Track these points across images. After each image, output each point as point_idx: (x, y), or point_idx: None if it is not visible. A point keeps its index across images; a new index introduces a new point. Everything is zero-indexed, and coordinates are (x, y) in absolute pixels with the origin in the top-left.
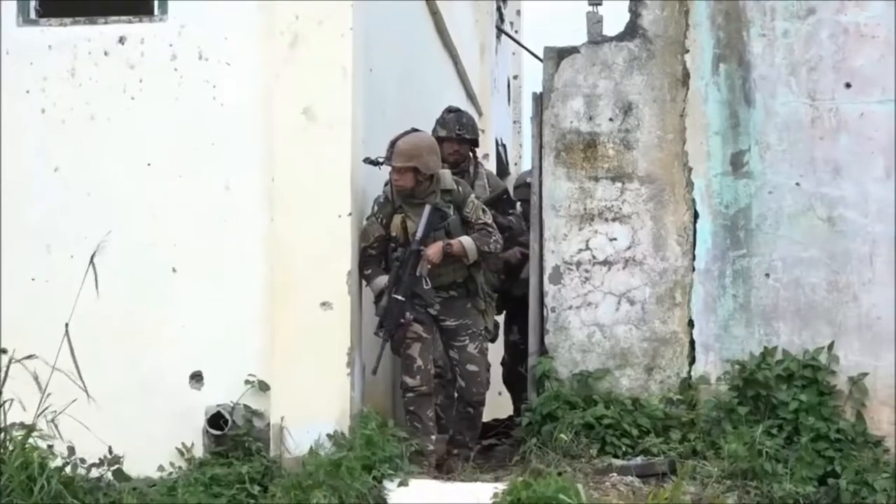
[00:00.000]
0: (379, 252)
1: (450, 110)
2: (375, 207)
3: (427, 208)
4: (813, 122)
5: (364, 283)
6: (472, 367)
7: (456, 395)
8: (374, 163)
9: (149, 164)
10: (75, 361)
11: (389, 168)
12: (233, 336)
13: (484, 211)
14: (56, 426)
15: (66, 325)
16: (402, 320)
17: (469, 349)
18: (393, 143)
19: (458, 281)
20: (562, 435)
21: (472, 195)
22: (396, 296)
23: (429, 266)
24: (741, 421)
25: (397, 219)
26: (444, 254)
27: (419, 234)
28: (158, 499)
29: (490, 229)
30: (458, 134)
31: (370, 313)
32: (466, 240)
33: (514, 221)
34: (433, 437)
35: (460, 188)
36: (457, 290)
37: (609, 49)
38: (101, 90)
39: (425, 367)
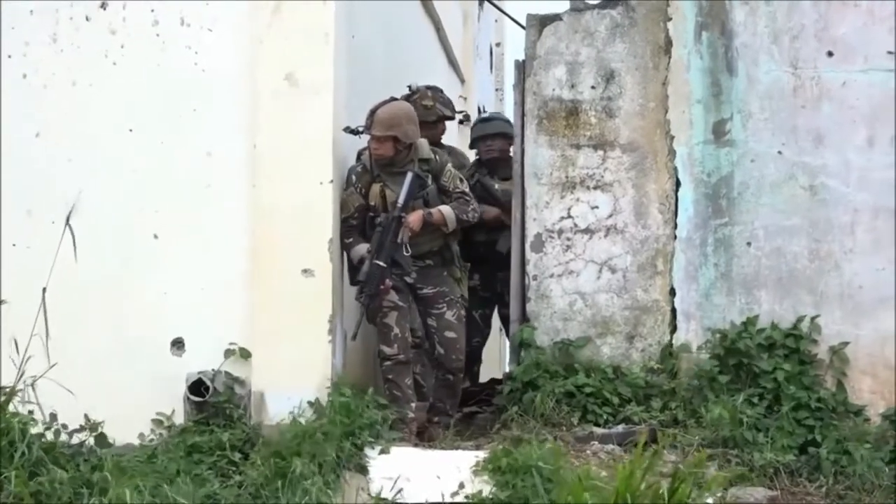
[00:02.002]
0: (359, 222)
1: (428, 87)
2: (353, 177)
3: (409, 175)
4: (795, 90)
5: (345, 252)
6: (450, 334)
7: (435, 362)
8: (354, 132)
9: (130, 130)
10: (47, 327)
11: (368, 137)
12: (214, 303)
13: (461, 180)
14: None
15: (44, 289)
16: (382, 286)
17: (447, 316)
18: (373, 112)
19: (434, 249)
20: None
21: (449, 164)
22: (378, 261)
23: (409, 233)
24: (722, 390)
25: (376, 188)
26: (424, 222)
27: (401, 201)
28: (139, 465)
29: (467, 198)
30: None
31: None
32: (446, 209)
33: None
34: (412, 405)
35: (437, 157)
36: (433, 259)
37: (591, 17)
38: (83, 55)
39: (402, 336)
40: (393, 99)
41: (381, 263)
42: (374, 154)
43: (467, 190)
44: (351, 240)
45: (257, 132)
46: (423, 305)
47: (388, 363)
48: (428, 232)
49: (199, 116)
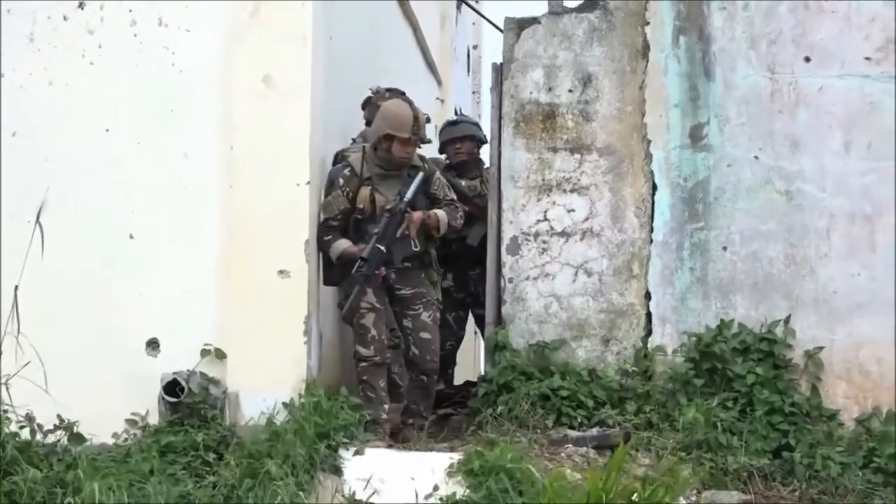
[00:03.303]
0: (341, 224)
1: (394, 92)
2: (341, 180)
3: (420, 175)
4: (772, 95)
5: (322, 250)
6: (425, 335)
7: (409, 364)
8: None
9: (107, 130)
10: (18, 325)
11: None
12: (190, 303)
13: (449, 188)
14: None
15: (16, 287)
16: (377, 271)
17: (423, 317)
18: (417, 118)
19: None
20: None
21: (437, 172)
22: (380, 245)
23: (414, 229)
24: (696, 393)
25: (365, 191)
26: (422, 223)
27: (408, 198)
28: (113, 465)
29: (456, 205)
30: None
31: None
32: (440, 213)
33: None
34: (386, 407)
35: (426, 165)
36: (412, 262)
37: (569, 20)
38: (60, 55)
39: (379, 337)
40: (399, 95)
41: (382, 248)
42: (401, 157)
43: (455, 198)
44: (330, 237)
45: (234, 133)
46: (400, 306)
47: (363, 364)
48: (421, 234)
49: (177, 117)
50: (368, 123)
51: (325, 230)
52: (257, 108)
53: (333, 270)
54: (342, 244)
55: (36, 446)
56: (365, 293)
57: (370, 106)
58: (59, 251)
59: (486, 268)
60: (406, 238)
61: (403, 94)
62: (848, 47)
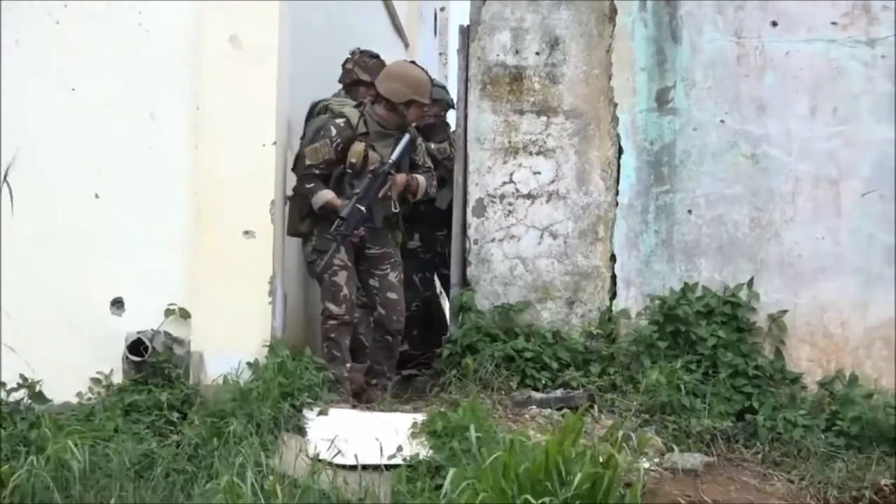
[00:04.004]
0: (323, 174)
1: (371, 55)
2: (333, 130)
3: (406, 137)
4: (739, 59)
5: (300, 198)
6: (392, 296)
7: (374, 324)
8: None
9: (73, 90)
10: None
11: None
12: (155, 263)
13: (426, 155)
14: None
15: None
16: (356, 230)
17: (390, 277)
18: (429, 81)
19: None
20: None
21: (419, 138)
22: (360, 205)
23: (397, 191)
24: (660, 356)
25: (359, 146)
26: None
27: (394, 158)
28: (76, 424)
29: (432, 173)
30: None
31: (293, 242)
32: (420, 178)
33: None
34: (348, 366)
35: (411, 129)
36: (384, 221)
37: None
38: (26, 14)
39: (350, 297)
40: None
41: (362, 208)
42: (413, 121)
43: (432, 165)
44: (313, 185)
45: (201, 94)
46: (368, 265)
47: (332, 322)
48: (398, 196)
49: (143, 77)
50: (350, 84)
51: (308, 178)
52: (224, 68)
53: (304, 222)
54: (327, 194)
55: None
56: (339, 251)
57: (359, 67)
58: (25, 210)
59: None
60: (388, 199)
61: (378, 56)
62: (814, 12)
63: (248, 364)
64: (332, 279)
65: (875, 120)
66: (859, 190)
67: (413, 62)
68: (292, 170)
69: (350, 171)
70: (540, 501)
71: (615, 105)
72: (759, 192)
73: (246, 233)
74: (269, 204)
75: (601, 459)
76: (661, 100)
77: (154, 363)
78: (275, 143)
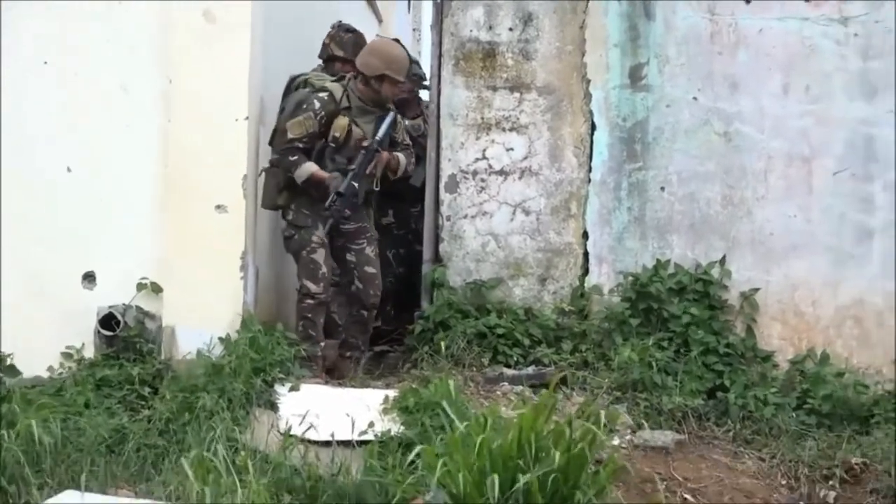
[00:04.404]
0: (306, 147)
1: (347, 30)
2: (317, 103)
3: (391, 115)
4: (712, 36)
5: (289, 170)
6: (370, 269)
7: (349, 298)
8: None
9: (45, 63)
10: None
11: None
12: (127, 237)
13: (405, 133)
14: None
15: None
16: (347, 210)
17: (367, 251)
18: (411, 61)
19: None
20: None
21: (399, 116)
22: (355, 182)
23: (380, 168)
24: (632, 333)
25: (343, 120)
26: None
27: (379, 136)
28: (47, 398)
29: (411, 150)
30: (355, 57)
31: (265, 217)
32: (401, 156)
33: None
34: (322, 345)
35: (390, 108)
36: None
37: None
38: None
39: (327, 275)
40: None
41: (356, 185)
42: (389, 97)
43: (410, 143)
44: (296, 158)
45: (174, 68)
46: (344, 240)
47: (309, 301)
48: (381, 175)
49: (115, 50)
50: (327, 59)
51: (292, 151)
52: (197, 42)
53: (282, 195)
54: (310, 167)
55: None
56: (317, 228)
57: (335, 42)
58: None
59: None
60: (371, 176)
61: (355, 31)
62: None
63: (220, 339)
64: (310, 256)
65: (848, 98)
66: (831, 168)
67: (397, 40)
68: (269, 143)
69: (333, 144)
70: (512, 478)
71: (588, 81)
72: (732, 170)
73: (218, 207)
74: (242, 179)
75: (574, 437)
76: (635, 76)
77: (125, 338)
78: (247, 118)
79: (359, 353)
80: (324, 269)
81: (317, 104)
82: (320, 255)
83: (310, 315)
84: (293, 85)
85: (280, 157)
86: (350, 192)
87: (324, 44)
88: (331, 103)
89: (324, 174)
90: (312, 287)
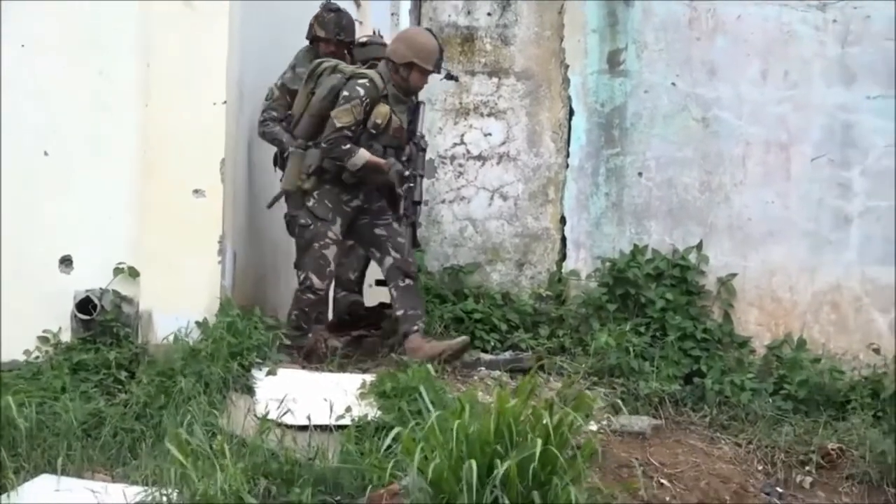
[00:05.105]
0: (354, 135)
1: (329, 9)
2: (362, 91)
3: (424, 107)
4: (690, 22)
5: (341, 160)
6: (402, 240)
7: (389, 271)
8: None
9: (23, 46)
10: None
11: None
12: (104, 221)
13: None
14: None
15: None
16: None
17: (394, 225)
18: (442, 51)
19: None
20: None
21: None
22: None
23: None
24: (609, 318)
25: (384, 108)
26: None
27: (421, 130)
28: (24, 382)
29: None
30: (338, 38)
31: (243, 202)
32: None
33: None
34: (309, 336)
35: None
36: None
37: None
38: None
39: (332, 273)
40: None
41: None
42: (417, 87)
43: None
44: (349, 146)
45: (152, 51)
46: (371, 218)
47: (310, 295)
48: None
49: (94, 34)
50: (314, 39)
51: (343, 139)
52: (176, 26)
53: (309, 180)
54: (365, 154)
55: None
56: (334, 224)
57: (318, 22)
58: None
59: None
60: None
61: (338, 10)
62: None
63: (197, 323)
64: (322, 251)
65: (826, 84)
66: (809, 154)
67: (429, 30)
68: (292, 129)
69: (374, 131)
70: (490, 463)
71: (566, 67)
72: (710, 156)
73: (196, 191)
74: (220, 163)
75: (552, 422)
76: (613, 62)
77: (102, 322)
78: (225, 102)
79: (422, 322)
80: (332, 267)
81: (361, 91)
82: (331, 252)
83: (307, 309)
84: (318, 71)
85: (330, 147)
86: (412, 195)
87: (310, 24)
88: (373, 90)
89: (380, 160)
90: (317, 282)
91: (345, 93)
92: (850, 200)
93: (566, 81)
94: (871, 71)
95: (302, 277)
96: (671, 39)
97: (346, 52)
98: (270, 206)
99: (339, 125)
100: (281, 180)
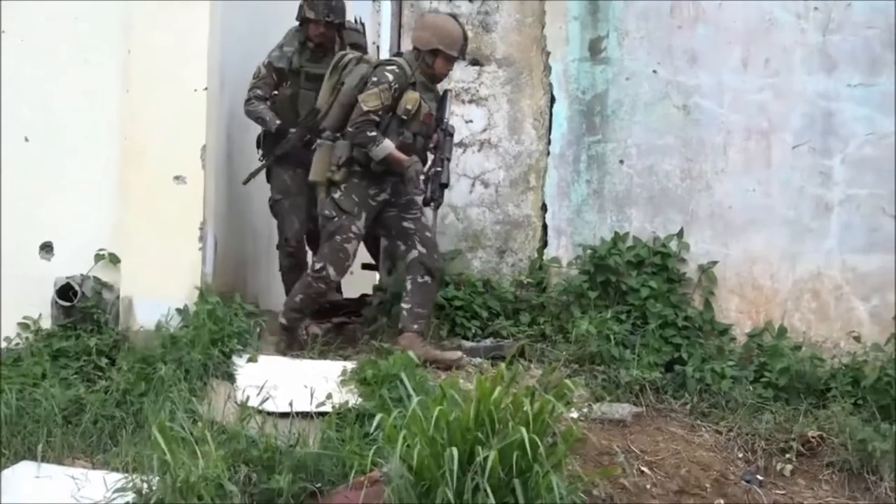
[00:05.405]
0: (381, 120)
1: None
2: (391, 77)
3: (450, 94)
4: (672, 10)
5: (365, 146)
6: (429, 234)
7: (410, 265)
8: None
9: (4, 32)
10: None
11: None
12: (85, 208)
13: None
14: None
15: None
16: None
17: (422, 219)
18: (466, 37)
19: None
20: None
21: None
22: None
23: None
24: (590, 305)
25: (414, 94)
26: None
27: (448, 118)
28: (4, 369)
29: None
30: (327, 19)
31: (224, 188)
32: None
33: None
34: (305, 322)
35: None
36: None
37: None
38: None
39: (349, 268)
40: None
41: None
42: (442, 73)
43: None
44: (375, 134)
45: (133, 38)
46: (399, 211)
47: (322, 285)
48: None
49: (75, 20)
50: (304, 21)
51: (368, 124)
52: (157, 12)
53: (340, 171)
54: (389, 146)
55: None
56: (359, 218)
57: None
58: None
59: None
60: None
61: None
62: None
63: (178, 310)
64: (343, 245)
65: (806, 72)
66: (790, 142)
67: (454, 16)
68: (319, 120)
69: (405, 117)
70: (471, 450)
71: (548, 54)
72: (691, 144)
73: (176, 178)
74: (200, 149)
75: (532, 409)
76: (594, 49)
77: (83, 308)
78: (206, 88)
79: (426, 323)
80: (350, 262)
81: (390, 77)
82: (352, 247)
83: (314, 295)
84: (341, 63)
85: (356, 132)
86: (439, 179)
87: (300, 5)
88: (402, 76)
89: (402, 156)
90: (333, 274)
91: (373, 78)
92: (830, 188)
93: (547, 69)
94: (852, 59)
95: (318, 266)
96: (652, 27)
97: (336, 34)
98: (246, 182)
99: (365, 109)
100: (260, 159)
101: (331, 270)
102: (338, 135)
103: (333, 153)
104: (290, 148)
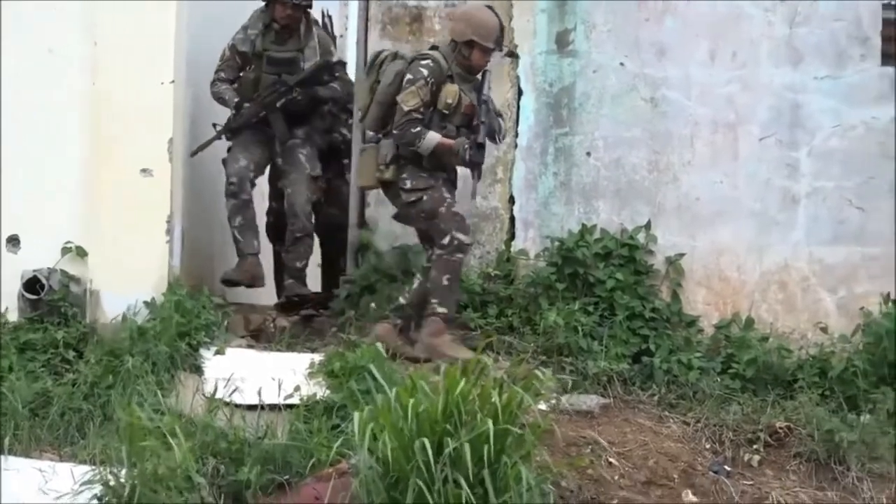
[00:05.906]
0: (423, 117)
1: None
2: (426, 72)
3: (489, 74)
4: (639, 3)
5: (412, 143)
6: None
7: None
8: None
9: None
10: None
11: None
12: (52, 201)
13: None
14: None
15: None
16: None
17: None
18: (503, 28)
19: None
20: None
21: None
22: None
23: None
24: (558, 297)
25: (453, 87)
26: None
27: (486, 95)
28: None
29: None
30: (294, 1)
31: (191, 181)
32: None
33: (339, 89)
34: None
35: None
36: None
37: None
38: None
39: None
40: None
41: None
42: (479, 65)
43: None
44: (419, 129)
45: (99, 29)
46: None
47: (460, 255)
48: None
49: (41, 11)
50: (268, 3)
51: (412, 122)
52: (123, 4)
53: (389, 169)
54: (435, 136)
55: None
56: (445, 186)
57: None
58: None
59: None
60: None
61: None
62: None
63: (146, 303)
64: (451, 210)
65: (773, 65)
66: (757, 134)
67: (490, 7)
68: (361, 121)
69: (446, 111)
70: (440, 442)
71: (515, 46)
72: (658, 136)
73: (143, 171)
74: (167, 142)
75: (501, 401)
76: (562, 42)
77: (50, 301)
78: (174, 81)
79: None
80: (466, 220)
81: (425, 72)
82: (456, 206)
83: (458, 270)
84: (378, 61)
85: (401, 132)
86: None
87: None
88: (437, 70)
89: (450, 140)
90: (464, 238)
91: (408, 76)
92: (797, 181)
93: (515, 61)
94: (819, 51)
95: (446, 241)
96: (620, 20)
97: (302, 16)
98: (194, 153)
99: (406, 108)
100: (218, 136)
101: (460, 236)
102: (380, 135)
103: (379, 153)
104: (244, 122)
